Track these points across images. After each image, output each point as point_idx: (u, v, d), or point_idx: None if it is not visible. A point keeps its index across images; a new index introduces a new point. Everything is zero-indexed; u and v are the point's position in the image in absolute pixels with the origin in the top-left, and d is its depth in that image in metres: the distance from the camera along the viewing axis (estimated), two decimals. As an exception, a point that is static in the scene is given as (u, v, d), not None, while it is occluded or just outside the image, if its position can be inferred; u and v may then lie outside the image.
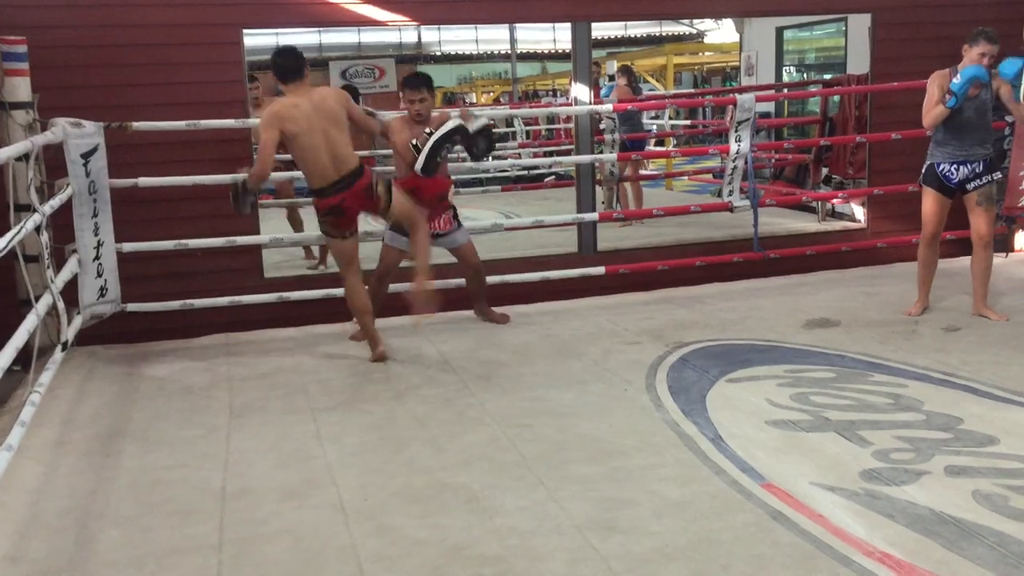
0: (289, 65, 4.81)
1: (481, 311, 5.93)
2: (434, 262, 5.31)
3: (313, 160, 4.80)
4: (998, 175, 5.54)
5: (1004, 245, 7.15)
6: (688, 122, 14.28)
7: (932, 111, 5.33)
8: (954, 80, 5.23)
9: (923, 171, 5.56)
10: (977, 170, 5.40)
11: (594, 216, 6.59)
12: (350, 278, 5.09)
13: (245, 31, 5.89)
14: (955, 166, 5.41)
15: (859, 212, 7.92)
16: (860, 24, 8.06)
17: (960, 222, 7.24)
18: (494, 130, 5.46)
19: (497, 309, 5.92)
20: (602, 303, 6.16)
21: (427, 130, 5.33)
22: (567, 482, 3.47)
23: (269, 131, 4.72)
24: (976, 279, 5.59)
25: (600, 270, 6.24)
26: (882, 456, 3.58)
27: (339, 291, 5.82)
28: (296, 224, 8.25)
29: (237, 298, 5.68)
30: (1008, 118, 6.90)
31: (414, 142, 5.30)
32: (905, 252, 7.05)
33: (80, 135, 5.06)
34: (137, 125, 5.37)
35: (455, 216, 5.72)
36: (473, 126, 5.46)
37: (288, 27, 7.27)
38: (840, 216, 8.62)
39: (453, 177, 9.51)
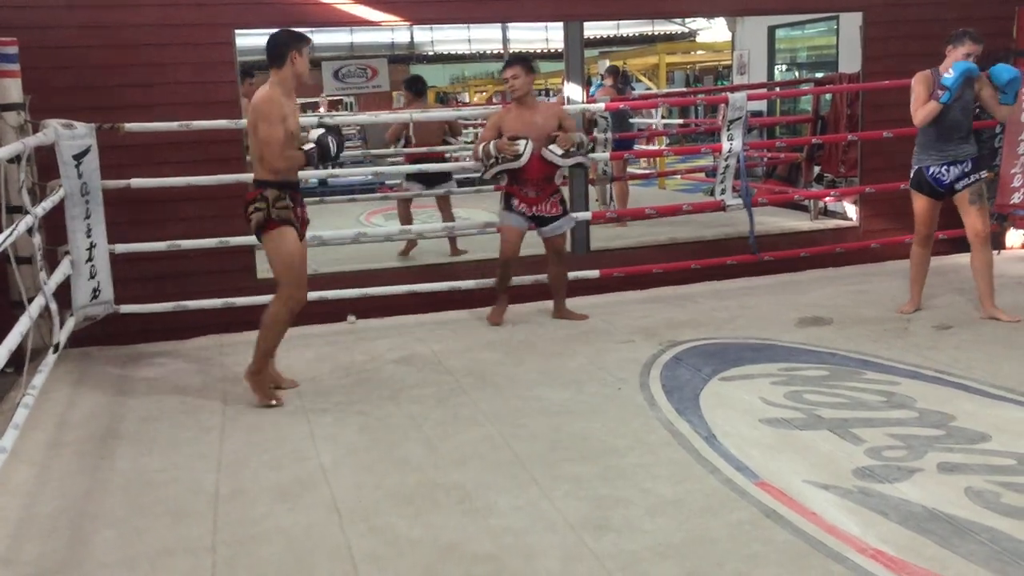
0: (267, 50, 4.35)
1: (560, 309, 5.86)
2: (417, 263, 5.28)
3: None
4: (984, 173, 5.54)
5: (996, 243, 7.16)
6: (681, 121, 14.30)
7: (924, 108, 5.31)
8: (946, 75, 5.22)
9: (912, 175, 5.55)
10: (966, 169, 5.40)
11: (587, 215, 6.59)
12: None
13: (237, 31, 5.88)
14: (945, 167, 5.40)
15: (851, 211, 7.93)
16: (852, 23, 8.07)
17: (952, 221, 7.28)
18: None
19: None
20: (595, 302, 6.16)
21: (555, 148, 5.49)
22: (561, 481, 3.48)
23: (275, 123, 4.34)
24: (980, 278, 5.54)
25: (595, 274, 6.24)
26: (875, 454, 3.60)
27: (331, 292, 5.84)
28: None
29: (230, 299, 5.67)
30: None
31: (519, 144, 5.44)
32: (897, 250, 7.07)
33: (72, 136, 5.05)
34: (129, 126, 5.35)
35: (562, 201, 5.74)
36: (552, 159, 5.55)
37: (280, 27, 7.24)
38: (832, 215, 8.63)
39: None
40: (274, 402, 4.43)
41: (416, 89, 8.26)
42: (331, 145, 4.39)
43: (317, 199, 9.42)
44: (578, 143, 5.58)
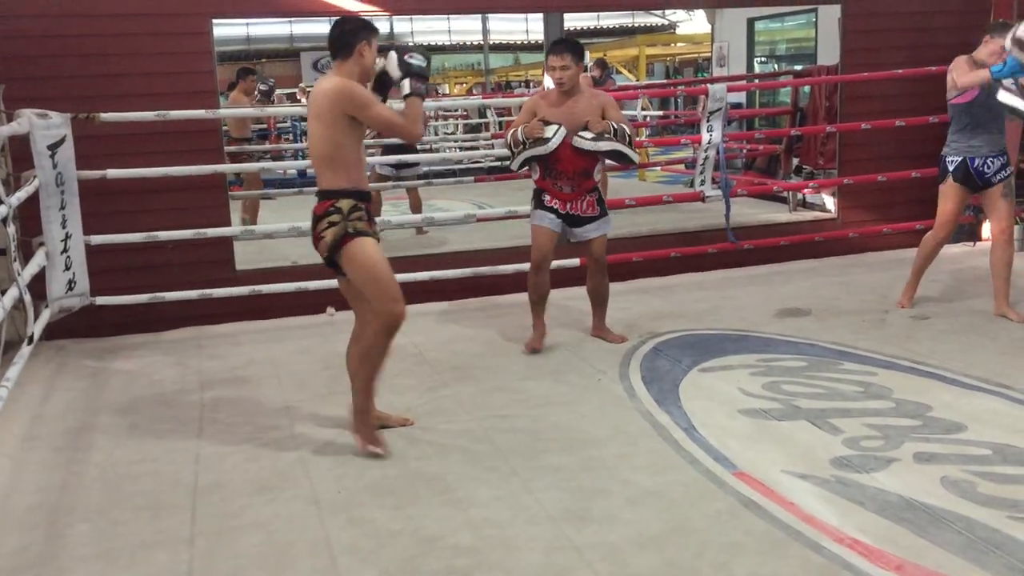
0: (330, 39, 3.74)
1: (600, 327, 5.21)
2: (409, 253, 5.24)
3: None
4: (1011, 168, 5.37)
5: (972, 234, 7.24)
6: (660, 113, 14.31)
7: (972, 73, 5.01)
8: (1008, 59, 4.85)
9: (953, 166, 5.30)
10: (1003, 161, 5.28)
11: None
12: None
13: (215, 21, 5.82)
14: (991, 159, 5.22)
15: (829, 202, 7.98)
16: (830, 15, 8.11)
17: (934, 211, 7.34)
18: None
19: (472, 301, 5.87)
20: (576, 293, 6.15)
21: (585, 134, 4.74)
22: (541, 472, 3.48)
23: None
24: (997, 276, 5.34)
25: (575, 262, 6.24)
26: (852, 444, 3.62)
27: (312, 283, 5.80)
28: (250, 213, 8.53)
29: (208, 291, 5.63)
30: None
31: (549, 128, 4.69)
32: (876, 241, 7.13)
33: (46, 126, 4.99)
34: (105, 116, 5.30)
35: (600, 200, 5.01)
36: (592, 146, 4.81)
37: (258, 17, 7.20)
38: (811, 206, 8.68)
39: (424, 168, 9.53)
40: (380, 450, 3.70)
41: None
42: (411, 61, 3.75)
43: (296, 190, 9.41)
44: (615, 130, 4.76)
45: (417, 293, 6.02)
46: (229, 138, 9.27)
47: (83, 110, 5.24)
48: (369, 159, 8.90)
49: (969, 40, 7.15)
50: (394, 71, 3.76)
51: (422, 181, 8.72)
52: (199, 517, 3.24)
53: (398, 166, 8.30)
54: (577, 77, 4.81)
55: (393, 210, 8.92)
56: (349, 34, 3.66)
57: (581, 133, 4.77)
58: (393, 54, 3.77)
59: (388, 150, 8.42)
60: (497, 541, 2.98)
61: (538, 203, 4.96)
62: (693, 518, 3.08)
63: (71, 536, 3.14)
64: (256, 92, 9.15)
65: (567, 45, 4.84)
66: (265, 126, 13.76)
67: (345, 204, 3.66)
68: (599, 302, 5.21)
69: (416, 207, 8.47)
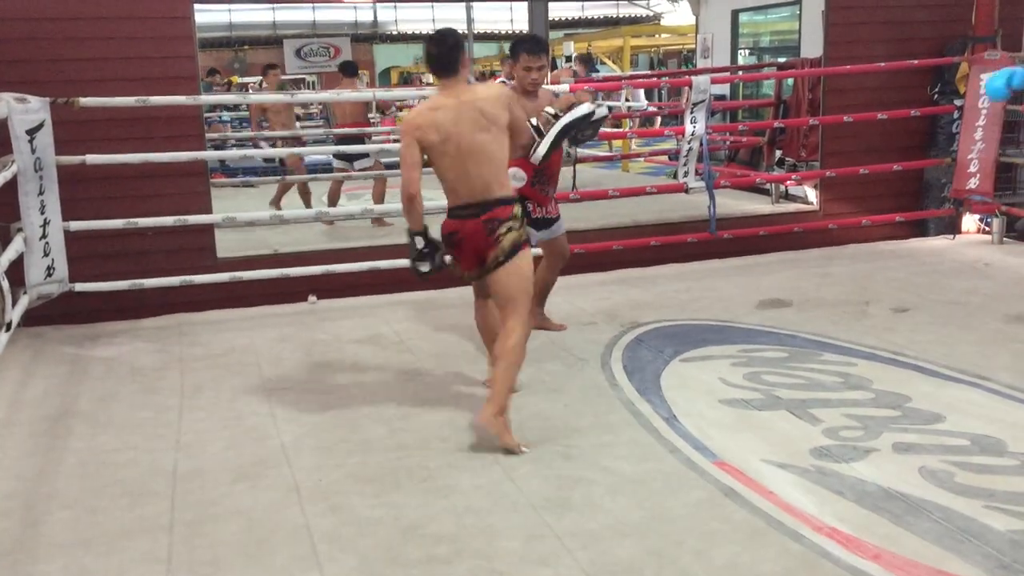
0: (437, 56, 3.71)
1: (542, 316, 5.18)
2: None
3: (447, 175, 3.74)
4: None
5: (952, 228, 7.29)
6: (645, 104, 14.32)
7: None
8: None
9: None
10: None
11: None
12: (478, 309, 4.10)
13: (196, 6, 5.77)
14: None
15: (811, 194, 8.01)
16: (814, 8, 8.12)
17: (914, 204, 7.39)
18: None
19: (451, 292, 5.87)
20: (558, 283, 6.16)
21: (550, 110, 4.45)
22: (522, 460, 3.48)
23: (406, 145, 3.70)
24: None
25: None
26: (832, 434, 3.64)
27: (294, 271, 5.78)
28: (306, 198, 8.72)
29: (189, 278, 5.59)
30: (957, 101, 7.03)
31: (534, 122, 4.29)
32: (856, 234, 7.17)
33: (25, 111, 4.93)
34: (84, 101, 5.24)
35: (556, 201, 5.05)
36: (600, 113, 4.62)
37: (240, 3, 7.15)
38: (793, 198, 8.71)
39: (382, 158, 9.53)
40: (525, 448, 3.59)
41: (347, 71, 9.16)
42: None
43: (280, 178, 9.39)
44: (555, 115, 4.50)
45: (399, 281, 6.02)
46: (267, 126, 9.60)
47: (62, 95, 5.19)
48: (321, 149, 9.20)
49: (950, 35, 7.22)
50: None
51: (388, 172, 8.75)
52: (179, 504, 3.23)
53: (351, 159, 8.50)
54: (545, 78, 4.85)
55: (353, 202, 9.10)
56: (453, 50, 3.70)
57: (547, 109, 4.50)
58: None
59: (341, 141, 8.60)
60: (478, 529, 2.98)
61: (527, 219, 4.30)
62: (673, 507, 3.09)
63: (49, 523, 3.12)
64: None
65: (543, 45, 4.82)
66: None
67: (519, 210, 3.76)
68: (543, 295, 5.16)
69: (379, 198, 8.41)
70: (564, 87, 5.78)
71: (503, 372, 3.70)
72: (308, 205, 8.83)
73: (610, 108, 4.74)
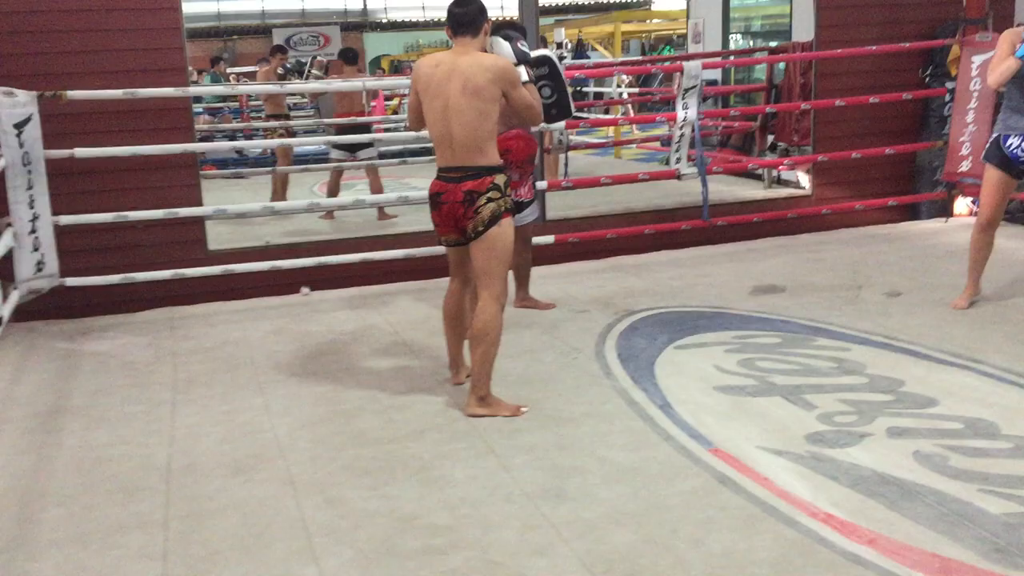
0: (458, 15, 3.77)
1: (524, 298, 5.38)
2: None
3: (431, 131, 3.83)
4: None
5: (944, 211, 7.29)
6: (636, 90, 14.28)
7: (999, 66, 4.61)
8: None
9: (987, 145, 4.91)
10: None
11: (543, 184, 6.57)
12: (449, 295, 4.13)
13: (184, -3, 5.73)
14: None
15: (804, 179, 8.01)
16: (805, -9, 8.10)
17: (907, 188, 7.40)
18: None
19: (446, 282, 5.84)
20: (552, 272, 6.16)
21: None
22: (517, 451, 3.48)
23: (411, 90, 3.89)
24: None
25: (550, 239, 6.24)
26: (826, 419, 3.65)
27: (286, 263, 5.77)
28: (278, 190, 8.60)
29: (180, 271, 5.57)
30: (948, 84, 7.02)
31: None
32: (849, 218, 7.17)
33: (12, 104, 4.90)
34: (71, 94, 5.20)
35: (534, 184, 5.12)
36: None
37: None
38: (785, 183, 8.71)
39: (399, 146, 9.52)
40: (524, 408, 3.83)
41: (348, 58, 8.85)
42: (524, 49, 3.85)
43: (270, 169, 9.35)
44: None
45: (393, 272, 6.01)
46: (265, 115, 9.49)
47: (50, 88, 5.15)
48: (321, 139, 9.09)
49: (942, 17, 7.20)
50: (509, 57, 3.80)
51: (381, 161, 8.73)
52: (173, 500, 3.22)
53: (353, 148, 8.34)
54: None
55: (351, 192, 9.02)
56: (477, 12, 3.76)
57: None
58: (505, 43, 3.83)
59: (342, 131, 8.50)
60: (473, 520, 2.98)
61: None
62: (669, 495, 3.09)
63: (44, 520, 3.10)
64: (280, 70, 9.24)
65: (521, 30, 4.66)
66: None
67: (501, 180, 3.78)
68: (526, 275, 5.37)
69: (376, 188, 8.40)
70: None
71: (481, 356, 3.77)
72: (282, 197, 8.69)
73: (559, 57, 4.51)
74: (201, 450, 3.63)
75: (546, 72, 4.08)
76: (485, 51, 3.81)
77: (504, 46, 3.85)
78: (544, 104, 4.03)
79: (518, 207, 4.90)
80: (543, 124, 4.42)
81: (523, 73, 3.81)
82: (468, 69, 3.66)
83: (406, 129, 4.00)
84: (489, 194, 3.72)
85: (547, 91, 4.19)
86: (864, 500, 2.99)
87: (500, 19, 4.96)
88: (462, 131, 3.70)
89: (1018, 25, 4.97)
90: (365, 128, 8.98)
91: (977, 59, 6.50)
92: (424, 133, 4.01)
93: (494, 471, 3.32)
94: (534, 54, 4.19)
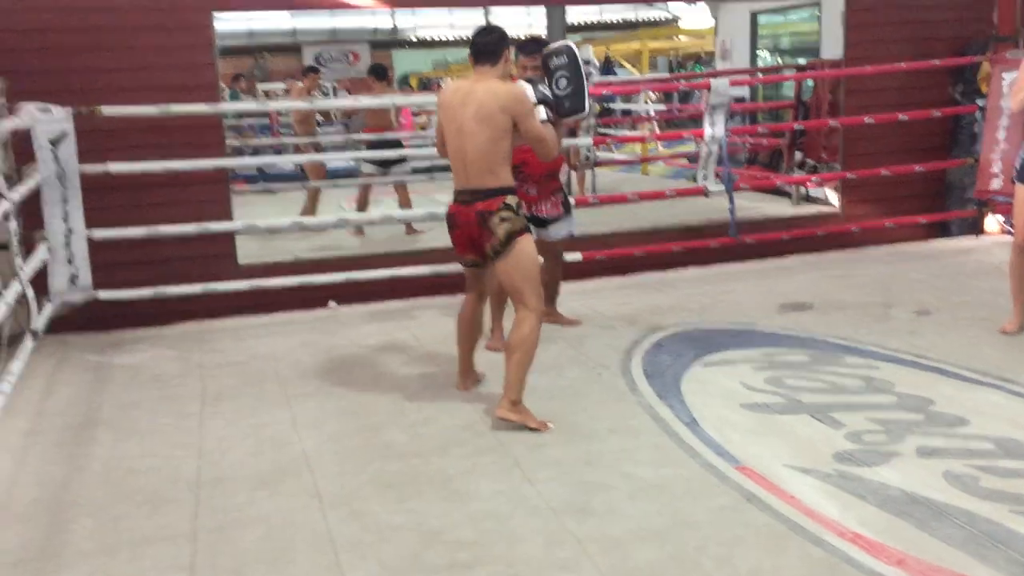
0: (480, 44, 3.93)
1: (550, 313, 5.22)
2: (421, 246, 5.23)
3: (449, 154, 3.99)
4: None
5: (976, 228, 7.22)
6: (663, 107, 14.28)
7: (1022, 91, 4.61)
8: None
9: (1018, 165, 4.76)
10: None
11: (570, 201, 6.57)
12: (464, 305, 4.26)
13: (216, 15, 5.82)
14: None
15: (832, 196, 7.96)
16: (834, 9, 8.08)
17: (932, 204, 7.33)
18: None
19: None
20: (579, 288, 6.16)
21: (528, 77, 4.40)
22: (543, 465, 3.48)
23: (437, 118, 4.11)
24: None
25: (577, 256, 6.24)
26: (855, 438, 3.62)
27: (315, 278, 5.81)
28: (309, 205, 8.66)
29: (210, 285, 5.63)
30: (979, 101, 6.97)
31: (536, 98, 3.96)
32: (879, 235, 7.12)
33: (48, 120, 5.00)
34: (106, 110, 5.29)
35: (565, 200, 5.12)
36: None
37: (259, 10, 7.21)
38: (813, 200, 8.66)
39: (412, 163, 9.58)
40: (551, 424, 3.85)
41: (378, 74, 8.88)
42: (545, 91, 3.93)
43: (300, 184, 9.44)
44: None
45: (419, 287, 6.04)
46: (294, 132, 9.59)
47: (85, 104, 5.24)
48: (354, 155, 9.15)
49: (972, 34, 7.15)
50: (530, 96, 3.89)
51: (410, 177, 8.80)
52: (201, 512, 3.24)
53: (385, 164, 8.39)
54: None
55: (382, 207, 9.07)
56: (497, 41, 3.92)
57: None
58: (527, 85, 3.91)
59: (373, 147, 8.55)
60: (499, 534, 2.98)
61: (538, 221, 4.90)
62: (695, 512, 3.08)
63: (73, 531, 3.14)
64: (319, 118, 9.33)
65: (541, 44, 4.72)
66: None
67: (514, 200, 3.88)
68: (555, 290, 5.35)
69: (405, 203, 8.46)
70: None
71: (516, 363, 3.85)
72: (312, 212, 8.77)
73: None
74: (229, 463, 3.66)
75: (564, 63, 4.06)
76: (506, 78, 3.94)
77: (527, 87, 3.94)
78: (559, 96, 4.06)
79: (541, 223, 4.98)
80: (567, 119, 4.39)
81: (541, 112, 3.91)
82: (482, 95, 3.81)
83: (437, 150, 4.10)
84: (501, 214, 3.83)
85: (563, 82, 4.21)
86: (893, 520, 2.96)
87: (527, 36, 4.98)
88: (474, 154, 3.84)
89: None
90: (396, 144, 9.04)
91: (1007, 76, 6.44)
92: None
93: (519, 486, 3.32)
94: (555, 44, 4.22)
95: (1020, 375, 4.23)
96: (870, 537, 2.85)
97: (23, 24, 5.37)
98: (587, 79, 4.21)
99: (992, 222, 7.27)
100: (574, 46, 4.23)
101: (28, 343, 4.55)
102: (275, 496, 3.34)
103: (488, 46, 3.91)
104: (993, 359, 4.47)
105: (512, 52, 3.99)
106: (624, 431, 3.79)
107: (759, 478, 3.30)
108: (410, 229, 8.19)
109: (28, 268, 4.71)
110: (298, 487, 3.41)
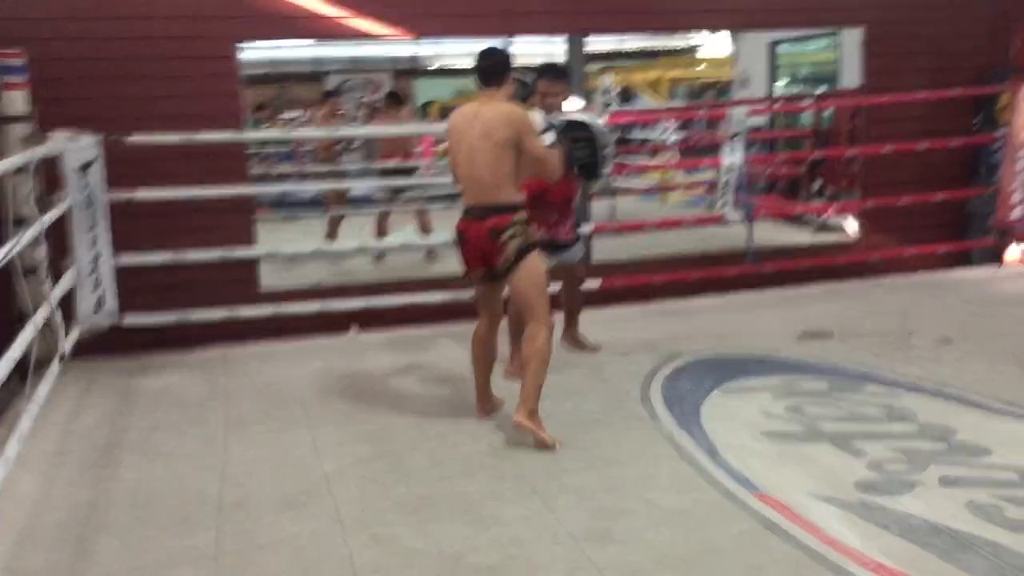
0: (483, 67, 4.11)
1: (573, 336, 5.43)
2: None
3: (459, 173, 4.14)
4: None
5: (996, 258, 7.20)
6: (683, 135, 14.31)
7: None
8: None
9: None
10: None
11: (587, 228, 6.61)
12: (479, 328, 4.35)
13: (239, 45, 5.92)
14: None
15: (851, 224, 7.96)
16: (853, 38, 8.11)
17: (957, 234, 7.31)
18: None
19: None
20: (598, 316, 6.16)
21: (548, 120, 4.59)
22: (564, 492, 3.49)
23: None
24: None
25: (596, 283, 6.26)
26: (876, 467, 3.61)
27: (336, 303, 5.86)
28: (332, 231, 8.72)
29: (234, 310, 5.69)
30: (999, 131, 6.97)
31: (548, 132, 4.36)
32: (899, 264, 7.10)
33: (77, 147, 5.09)
34: (133, 138, 5.38)
35: (576, 225, 5.25)
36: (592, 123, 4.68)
37: (282, 40, 7.32)
38: (832, 229, 8.65)
39: (446, 191, 9.64)
40: (558, 445, 3.92)
41: (396, 99, 9.36)
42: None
43: (321, 212, 9.50)
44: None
45: (440, 314, 6.07)
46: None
47: (113, 132, 5.33)
48: (368, 183, 9.28)
49: (990, 64, 7.17)
50: (539, 124, 4.14)
51: (429, 204, 8.87)
52: (225, 534, 3.27)
53: (396, 190, 8.53)
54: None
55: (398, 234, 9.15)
56: (502, 64, 4.11)
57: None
58: (538, 115, 4.22)
59: (386, 174, 8.66)
60: (520, 560, 2.99)
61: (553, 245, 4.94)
62: (716, 539, 3.08)
63: (99, 552, 3.18)
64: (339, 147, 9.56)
65: (563, 70, 5.06)
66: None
67: (522, 216, 4.04)
68: (576, 315, 5.45)
69: (425, 227, 8.52)
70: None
71: (532, 373, 3.96)
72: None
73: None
74: (252, 486, 3.69)
75: (587, 135, 4.47)
76: (509, 98, 4.10)
77: (537, 116, 4.13)
78: (581, 162, 4.46)
79: (558, 248, 5.04)
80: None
81: (548, 138, 4.10)
82: (488, 115, 3.99)
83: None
84: (512, 230, 3.99)
85: (586, 151, 4.52)
86: (916, 550, 2.95)
87: (546, 64, 5.07)
88: (483, 171, 3.99)
89: None
90: (409, 171, 9.14)
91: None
92: None
93: (540, 512, 3.34)
94: (575, 118, 4.59)
95: (1043, 405, 4.21)
96: (894, 568, 2.85)
97: (54, 54, 5.48)
98: (603, 151, 4.57)
99: (1013, 251, 7.25)
100: (590, 120, 4.56)
101: (55, 367, 4.61)
102: (298, 519, 3.37)
103: (493, 68, 4.09)
104: (1016, 389, 4.45)
105: (512, 75, 4.13)
106: (644, 458, 3.80)
107: (780, 506, 3.30)
108: (430, 255, 8.24)
109: (56, 293, 4.78)
110: (320, 510, 3.43)
